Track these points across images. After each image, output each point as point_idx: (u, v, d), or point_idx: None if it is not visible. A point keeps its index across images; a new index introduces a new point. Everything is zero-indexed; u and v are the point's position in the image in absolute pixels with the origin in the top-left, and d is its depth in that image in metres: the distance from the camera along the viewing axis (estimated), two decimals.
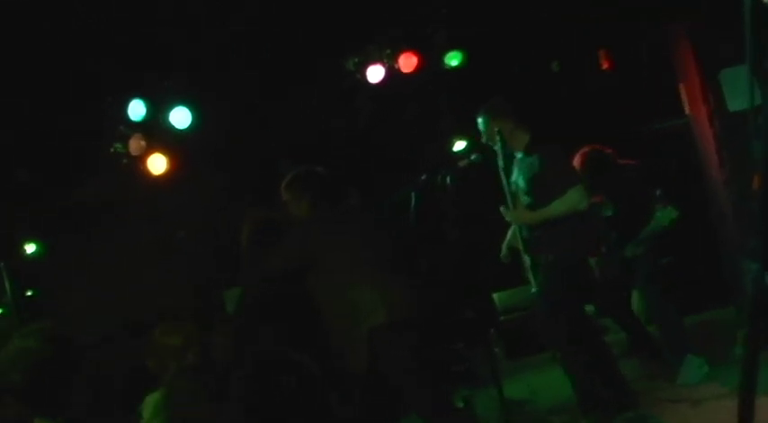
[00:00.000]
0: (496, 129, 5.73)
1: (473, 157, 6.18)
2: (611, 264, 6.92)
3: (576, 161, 6.75)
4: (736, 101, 6.96)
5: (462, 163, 6.20)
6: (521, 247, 5.90)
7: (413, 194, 6.15)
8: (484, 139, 5.92)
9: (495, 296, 9.90)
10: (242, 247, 5.38)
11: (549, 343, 6.07)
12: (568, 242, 5.63)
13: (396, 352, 4.85)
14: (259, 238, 5.35)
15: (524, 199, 5.76)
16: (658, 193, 6.47)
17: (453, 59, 8.42)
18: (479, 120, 5.90)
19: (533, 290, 5.87)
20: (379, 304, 4.86)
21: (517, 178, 5.83)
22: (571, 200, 5.47)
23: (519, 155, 5.84)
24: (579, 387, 5.59)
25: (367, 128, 9.16)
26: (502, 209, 5.83)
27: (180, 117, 7.47)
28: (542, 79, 8.97)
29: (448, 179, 6.11)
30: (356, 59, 8.27)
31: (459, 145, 9.43)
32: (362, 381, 5.01)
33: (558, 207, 5.51)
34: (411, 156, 9.02)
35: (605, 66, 8.55)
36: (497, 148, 5.78)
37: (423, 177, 6.23)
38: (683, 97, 7.78)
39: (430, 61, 8.36)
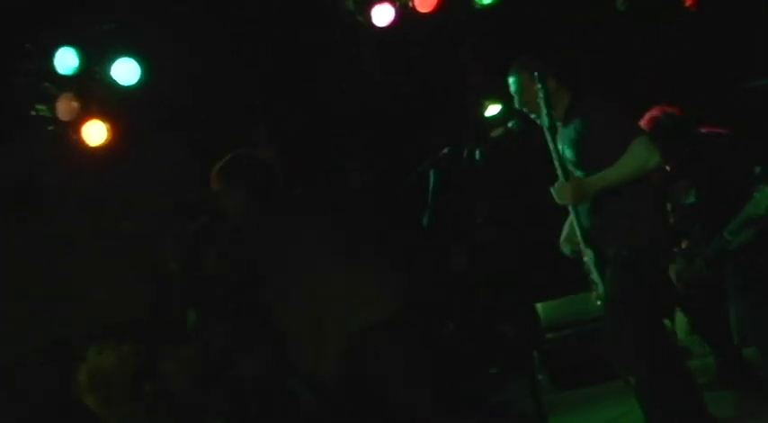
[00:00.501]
0: (538, 87, 5.54)
1: (510, 124, 6.16)
2: (695, 264, 6.92)
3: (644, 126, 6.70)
4: None
5: (496, 132, 6.19)
6: (580, 239, 5.74)
7: (431, 173, 6.16)
8: (517, 105, 5.87)
9: (539, 307, 9.89)
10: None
11: (621, 364, 5.97)
12: (645, 227, 5.54)
13: (383, 361, 4.98)
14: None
15: (576, 174, 5.63)
16: (758, 170, 6.43)
17: None
18: (510, 79, 5.80)
19: (598, 300, 5.82)
20: (352, 305, 4.97)
21: (563, 151, 5.70)
22: (638, 155, 5.29)
23: (558, 123, 5.72)
24: None
25: (372, 85, 9.16)
26: (552, 189, 5.65)
27: (124, 71, 7.43)
28: (603, 21, 8.96)
29: (477, 154, 6.11)
30: None
31: (493, 109, 9.42)
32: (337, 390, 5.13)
33: (623, 167, 5.34)
34: (430, 122, 9.00)
35: (688, 3, 8.54)
36: (540, 115, 5.61)
37: (444, 151, 6.23)
38: None
39: None
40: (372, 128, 9.34)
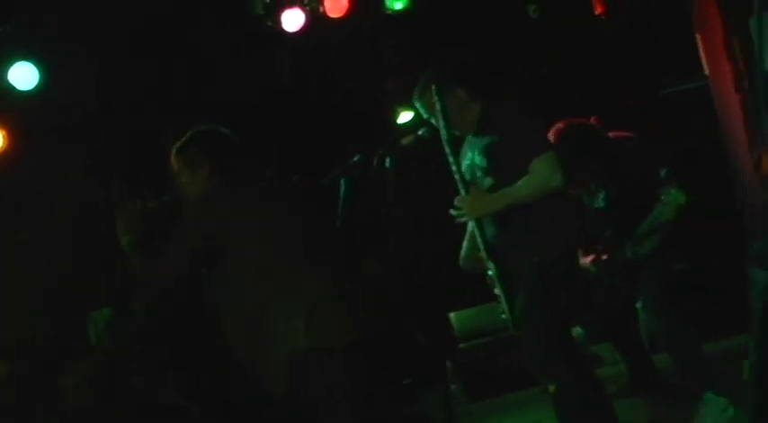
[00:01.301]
0: (435, 99, 5.52)
1: (421, 131, 6.14)
2: (606, 270, 6.98)
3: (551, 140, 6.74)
4: None
5: (406, 140, 6.16)
6: (483, 253, 5.74)
7: (342, 181, 6.14)
8: (425, 115, 5.83)
9: (452, 317, 9.94)
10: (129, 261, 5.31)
11: (536, 374, 5.95)
12: (555, 239, 5.54)
13: (322, 387, 4.86)
14: (144, 241, 5.29)
15: (485, 181, 5.62)
16: (663, 172, 6.50)
17: (397, 1, 8.46)
18: (418, 103, 5.83)
19: (503, 314, 5.84)
20: (304, 321, 4.84)
21: (473, 158, 5.70)
22: (540, 174, 5.31)
23: (470, 135, 5.75)
24: None
25: (282, 91, 9.14)
26: (456, 203, 5.65)
27: (22, 75, 7.34)
28: (516, 28, 9.03)
29: (387, 161, 6.09)
30: (267, 1, 8.25)
31: (405, 116, 9.45)
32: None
33: (525, 186, 5.35)
34: (341, 129, 9.00)
35: (599, 10, 8.63)
36: (441, 129, 5.60)
37: (355, 158, 6.21)
38: (701, 52, 7.88)
39: (365, 3, 8.39)
40: (285, 135, 9.30)
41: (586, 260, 7.00)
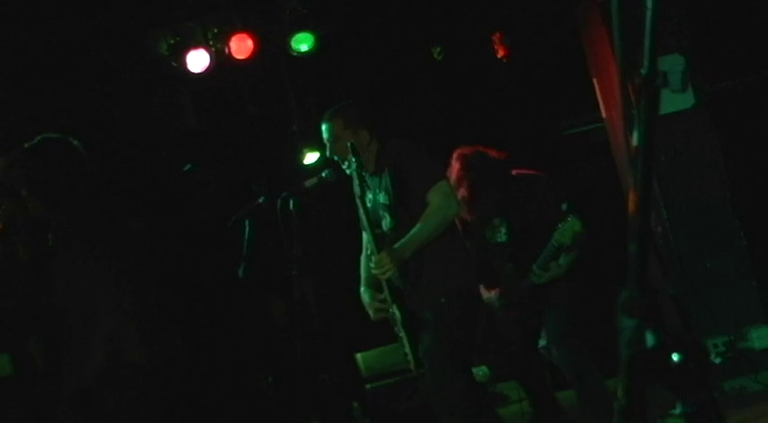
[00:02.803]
0: (348, 142, 5.63)
1: (325, 173, 6.22)
2: (510, 303, 7.09)
3: (453, 168, 6.85)
4: (666, 101, 7.25)
5: (310, 182, 6.23)
6: (386, 295, 5.82)
7: (246, 223, 6.20)
8: (329, 153, 5.94)
9: (358, 357, 9.97)
10: None
11: (446, 413, 5.79)
12: (451, 274, 5.66)
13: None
14: None
15: (387, 220, 5.77)
16: (564, 207, 6.61)
17: (302, 43, 8.55)
18: (323, 127, 5.88)
19: (406, 355, 5.90)
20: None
21: (375, 198, 5.83)
22: (437, 206, 5.43)
23: (368, 174, 5.85)
24: None
25: (188, 132, 9.13)
26: (372, 263, 5.68)
27: None
28: (419, 70, 9.14)
29: (291, 203, 6.15)
30: (171, 41, 8.28)
31: (311, 157, 9.51)
32: None
33: (427, 223, 5.46)
34: (246, 170, 9.04)
35: (501, 53, 8.79)
36: (349, 168, 5.68)
37: (260, 200, 6.29)
38: (598, 96, 8.07)
39: (271, 45, 8.47)
40: (187, 177, 9.28)
41: (490, 294, 7.11)
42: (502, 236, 7.05)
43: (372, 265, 5.61)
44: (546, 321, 7.05)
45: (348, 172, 5.74)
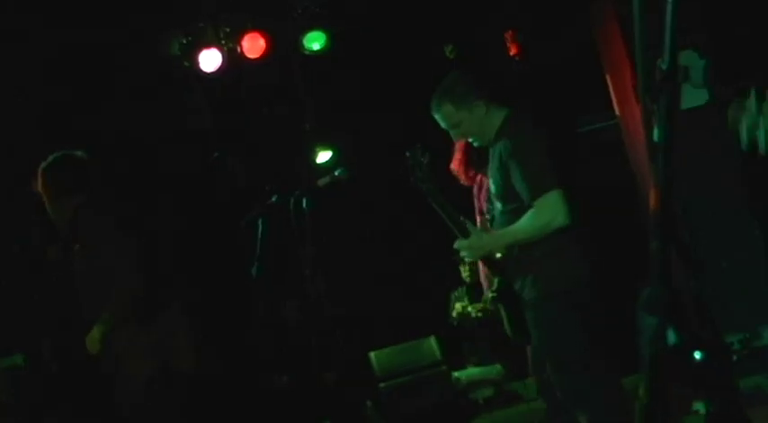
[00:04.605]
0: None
1: (337, 172, 6.21)
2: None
3: (456, 154, 6.90)
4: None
5: (323, 181, 6.22)
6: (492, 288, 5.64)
7: (260, 221, 6.20)
8: (455, 139, 5.75)
9: (372, 356, 9.98)
10: None
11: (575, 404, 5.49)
12: (552, 271, 5.25)
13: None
14: None
15: (496, 205, 5.49)
16: None
17: (314, 42, 8.56)
18: (437, 117, 5.51)
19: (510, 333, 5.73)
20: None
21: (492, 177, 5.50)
22: (543, 216, 5.07)
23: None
24: None
25: (202, 132, 9.15)
26: (459, 244, 5.45)
27: None
28: (432, 68, 9.13)
29: (304, 202, 6.14)
30: (184, 41, 8.29)
31: (324, 156, 9.51)
32: None
33: (529, 227, 5.14)
34: (260, 170, 9.04)
35: (513, 52, 8.78)
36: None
37: (273, 199, 6.28)
38: (612, 94, 8.06)
39: (283, 44, 8.47)
40: (203, 175, 9.30)
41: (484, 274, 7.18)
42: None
43: (456, 245, 5.42)
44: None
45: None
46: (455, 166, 6.92)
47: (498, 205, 5.38)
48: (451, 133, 5.49)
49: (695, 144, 7.55)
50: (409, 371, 9.76)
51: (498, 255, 5.37)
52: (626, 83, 7.66)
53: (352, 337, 9.21)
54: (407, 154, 5.53)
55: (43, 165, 5.94)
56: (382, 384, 9.68)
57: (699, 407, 6.08)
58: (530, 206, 5.03)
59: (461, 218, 5.47)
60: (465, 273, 9.98)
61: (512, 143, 5.13)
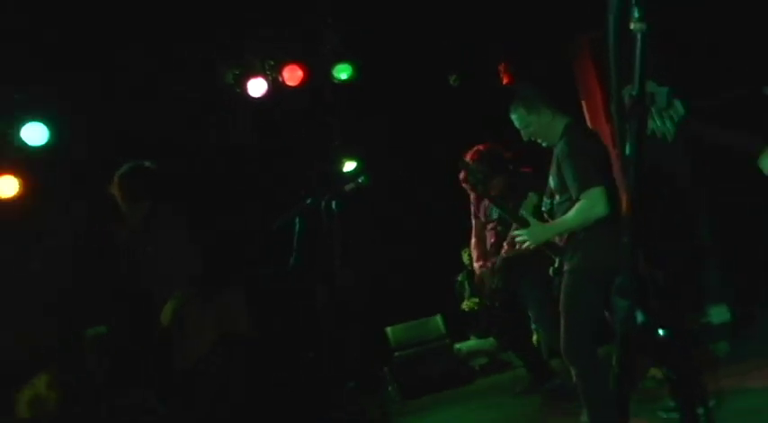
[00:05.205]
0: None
1: (361, 179, 6.21)
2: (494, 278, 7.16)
3: (468, 158, 6.98)
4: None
5: (349, 186, 6.22)
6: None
7: (297, 220, 6.19)
8: (525, 138, 5.74)
9: (388, 331, 9.99)
10: None
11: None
12: (584, 251, 5.23)
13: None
14: None
15: (556, 197, 5.42)
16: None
17: (343, 72, 8.58)
18: (512, 117, 5.49)
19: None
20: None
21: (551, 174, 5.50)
22: (584, 209, 5.03)
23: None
24: None
25: (250, 146, 9.17)
26: (521, 232, 5.40)
27: (33, 133, 7.35)
28: (438, 93, 9.14)
29: (333, 204, 6.13)
30: (236, 72, 8.30)
31: (349, 166, 9.54)
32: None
33: (572, 220, 5.12)
34: (297, 177, 9.05)
35: (506, 80, 8.77)
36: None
37: (307, 202, 6.27)
38: (586, 116, 8.05)
39: (317, 74, 8.49)
40: (250, 181, 9.32)
41: (478, 265, 7.16)
42: (494, 213, 7.13)
43: (517, 234, 5.37)
44: (526, 298, 7.12)
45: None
46: (464, 178, 6.97)
47: (556, 197, 5.34)
48: (522, 132, 5.43)
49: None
50: (419, 343, 9.80)
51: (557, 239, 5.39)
52: (597, 107, 7.65)
53: (371, 316, 9.21)
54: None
55: (119, 172, 5.99)
56: (396, 354, 9.71)
57: (654, 372, 6.06)
58: (577, 199, 5.02)
59: (520, 212, 5.51)
60: (467, 258, 10.03)
61: (567, 146, 5.14)
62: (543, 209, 5.53)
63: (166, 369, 5.71)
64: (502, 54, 8.93)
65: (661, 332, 2.02)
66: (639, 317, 2.02)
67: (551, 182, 5.39)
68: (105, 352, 6.43)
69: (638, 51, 1.99)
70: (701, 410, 2.09)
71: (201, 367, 5.56)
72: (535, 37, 8.47)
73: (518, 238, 5.35)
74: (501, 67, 8.88)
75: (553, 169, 5.32)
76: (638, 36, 1.97)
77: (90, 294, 7.59)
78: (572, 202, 5.10)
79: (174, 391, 5.50)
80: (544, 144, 5.36)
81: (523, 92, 5.46)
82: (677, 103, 4.44)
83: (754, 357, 6.81)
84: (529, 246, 5.35)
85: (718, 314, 7.95)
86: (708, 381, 6.04)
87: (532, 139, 5.40)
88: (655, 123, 4.48)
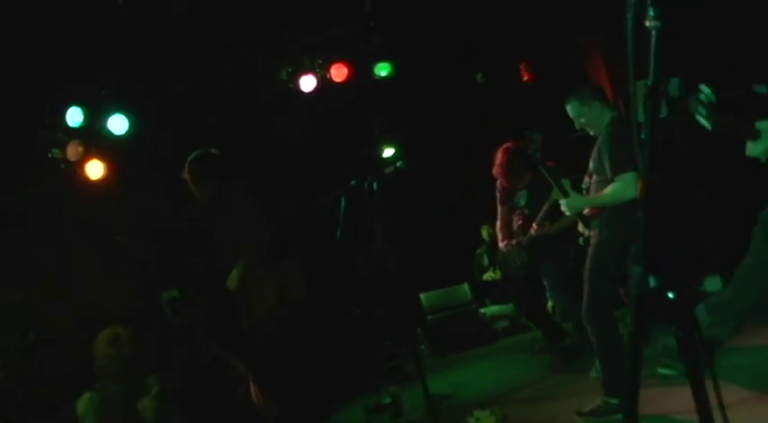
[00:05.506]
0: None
1: (399, 163, 6.21)
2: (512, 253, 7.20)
3: (500, 154, 6.99)
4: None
5: (389, 170, 6.22)
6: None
7: (342, 200, 6.20)
8: (577, 126, 5.56)
9: (422, 297, 9.99)
10: None
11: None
12: (611, 224, 5.22)
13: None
14: None
15: (594, 178, 5.43)
16: (568, 184, 6.54)
17: (383, 70, 8.57)
18: (567, 108, 5.47)
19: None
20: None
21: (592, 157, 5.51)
22: (616, 191, 5.03)
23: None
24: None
25: (302, 135, 9.18)
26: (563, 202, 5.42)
27: (117, 124, 7.40)
28: (466, 89, 9.11)
29: (375, 185, 6.13)
30: (289, 69, 8.31)
31: (388, 152, 9.53)
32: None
33: (605, 197, 5.14)
34: (343, 162, 9.05)
35: (526, 77, 8.73)
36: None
37: (352, 183, 6.28)
38: None
39: (361, 71, 8.48)
40: (303, 166, 9.33)
41: (502, 245, 7.16)
42: (522, 201, 7.11)
43: (561, 201, 5.38)
44: (545, 270, 7.10)
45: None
46: (497, 171, 7.07)
47: (594, 177, 5.34)
48: (575, 122, 5.41)
49: None
50: (449, 307, 9.80)
51: (586, 211, 5.36)
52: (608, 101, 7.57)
53: (407, 283, 9.20)
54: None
55: (190, 158, 6.04)
56: (429, 317, 9.72)
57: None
58: (612, 180, 5.03)
59: (563, 182, 5.41)
60: (486, 234, 10.05)
61: (608, 134, 5.16)
62: (583, 187, 5.52)
63: (234, 327, 5.76)
64: (522, 54, 8.90)
65: (671, 295, 2.01)
66: (652, 281, 2.00)
67: (591, 164, 5.39)
68: (177, 311, 6.49)
69: (653, 47, 1.97)
70: (705, 365, 2.08)
71: (264, 327, 5.60)
72: (551, 39, 8.41)
73: (562, 207, 5.36)
74: (522, 66, 8.83)
75: (594, 153, 5.32)
76: (654, 33, 1.94)
77: (167, 264, 7.67)
78: (606, 183, 5.09)
79: (241, 346, 5.55)
80: (592, 132, 5.34)
81: (579, 87, 5.45)
82: (706, 90, 4.38)
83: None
84: (568, 213, 5.38)
85: (713, 284, 7.90)
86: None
87: (584, 128, 5.39)
88: (696, 111, 4.42)
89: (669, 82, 3.01)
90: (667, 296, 2.01)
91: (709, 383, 2.19)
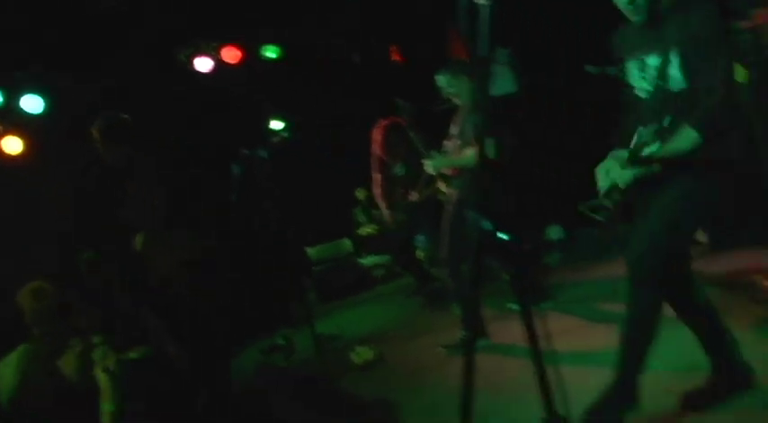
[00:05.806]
0: None
1: (285, 134, 6.17)
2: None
3: (378, 132, 7.04)
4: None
5: (276, 139, 6.17)
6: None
7: (235, 167, 6.11)
8: (444, 96, 5.43)
9: (309, 250, 9.98)
10: None
11: None
12: None
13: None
14: None
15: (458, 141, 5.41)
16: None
17: (271, 52, 8.42)
18: (440, 78, 5.31)
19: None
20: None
21: None
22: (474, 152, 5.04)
23: None
24: None
25: (201, 111, 8.95)
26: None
27: (32, 103, 7.09)
28: (346, 69, 9.06)
29: (265, 153, 6.06)
30: (188, 52, 8.08)
31: (276, 124, 9.38)
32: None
33: (466, 158, 5.09)
34: (234, 133, 8.90)
35: (395, 58, 8.75)
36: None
37: (245, 152, 6.19)
38: None
39: (252, 53, 8.33)
40: (201, 139, 9.10)
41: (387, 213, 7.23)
42: (401, 171, 7.15)
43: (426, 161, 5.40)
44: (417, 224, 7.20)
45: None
46: (377, 148, 7.12)
47: (456, 141, 5.27)
48: (444, 91, 5.30)
49: None
50: (332, 259, 9.83)
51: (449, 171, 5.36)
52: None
53: (296, 240, 9.15)
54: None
55: (102, 118, 5.45)
56: (315, 268, 9.72)
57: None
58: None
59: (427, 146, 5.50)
60: (361, 195, 10.09)
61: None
62: (444, 150, 5.48)
63: (142, 285, 5.56)
64: (393, 39, 8.91)
65: (502, 236, 2.04)
66: (486, 225, 2.03)
67: (453, 129, 5.34)
68: (95, 271, 6.25)
69: (484, 21, 1.98)
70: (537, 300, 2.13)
71: (169, 285, 5.41)
72: (420, 26, 8.45)
73: (425, 166, 5.37)
74: (392, 48, 8.84)
75: (457, 119, 5.32)
76: (483, 8, 1.95)
77: (85, 229, 7.37)
78: (467, 146, 5.11)
79: (150, 303, 5.36)
80: (458, 102, 5.31)
81: (450, 63, 5.45)
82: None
83: (581, 261, 7.04)
84: (430, 172, 5.39)
85: (555, 232, 8.15)
86: (547, 281, 6.21)
87: (451, 97, 5.35)
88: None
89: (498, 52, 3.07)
90: (499, 238, 2.05)
91: (547, 315, 2.24)
